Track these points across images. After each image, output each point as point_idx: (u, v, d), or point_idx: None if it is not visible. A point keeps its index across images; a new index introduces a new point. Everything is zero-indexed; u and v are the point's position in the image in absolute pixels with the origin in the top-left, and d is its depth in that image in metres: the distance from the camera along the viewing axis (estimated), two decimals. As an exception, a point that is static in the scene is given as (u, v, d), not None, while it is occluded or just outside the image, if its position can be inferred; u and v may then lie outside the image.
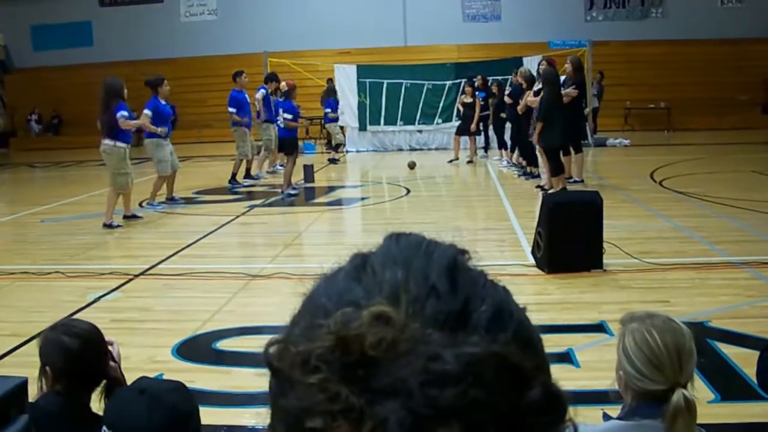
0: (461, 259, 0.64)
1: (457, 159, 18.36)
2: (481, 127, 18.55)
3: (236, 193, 14.66)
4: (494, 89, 17.68)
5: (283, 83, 15.44)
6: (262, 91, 15.91)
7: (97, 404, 2.71)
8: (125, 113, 10.71)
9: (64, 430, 2.52)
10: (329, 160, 19.79)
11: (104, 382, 2.73)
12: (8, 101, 31.17)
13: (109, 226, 10.76)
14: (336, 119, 20.67)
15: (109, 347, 2.86)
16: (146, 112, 11.85)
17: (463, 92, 18.72)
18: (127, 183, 10.89)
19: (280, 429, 0.57)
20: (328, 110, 20.59)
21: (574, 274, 7.30)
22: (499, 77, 18.77)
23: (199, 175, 17.45)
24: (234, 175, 15.54)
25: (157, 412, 2.28)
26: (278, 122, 14.60)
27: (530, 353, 0.59)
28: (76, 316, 6.46)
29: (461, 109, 18.57)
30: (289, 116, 14.06)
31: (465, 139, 18.61)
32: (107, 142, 10.81)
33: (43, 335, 2.72)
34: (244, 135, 15.39)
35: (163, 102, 12.33)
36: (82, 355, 2.63)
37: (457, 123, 21.51)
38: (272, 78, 16.30)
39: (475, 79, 18.39)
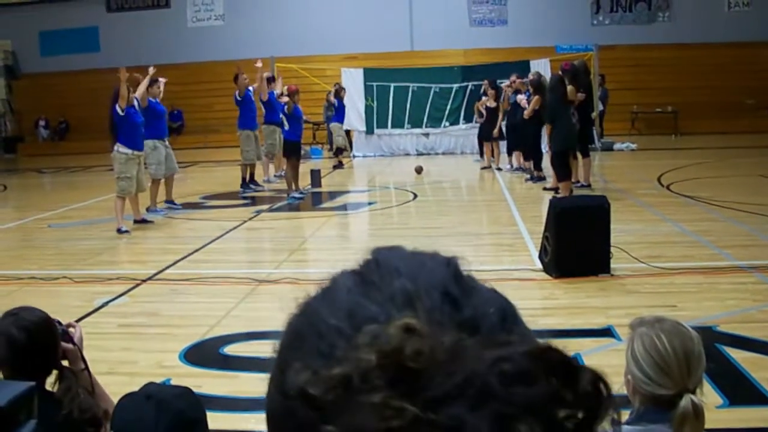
0: (457, 266, 0.64)
1: (490, 166, 17.71)
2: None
3: (244, 197, 14.68)
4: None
5: (284, 87, 15.48)
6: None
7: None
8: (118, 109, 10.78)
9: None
10: (334, 167, 19.71)
11: (55, 372, 2.70)
12: (16, 106, 31.27)
13: (118, 231, 10.81)
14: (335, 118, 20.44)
15: (71, 329, 2.84)
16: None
17: (485, 94, 17.99)
18: (127, 187, 10.91)
19: None
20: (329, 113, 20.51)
21: (581, 279, 7.29)
22: (506, 81, 18.72)
23: (206, 180, 17.49)
24: (244, 179, 15.55)
25: (164, 418, 2.27)
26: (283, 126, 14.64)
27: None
28: (83, 321, 6.48)
29: (483, 112, 17.97)
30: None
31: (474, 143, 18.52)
32: (115, 147, 10.87)
33: None
34: (250, 139, 15.36)
35: (154, 100, 12.47)
36: (28, 349, 2.59)
37: (464, 126, 21.48)
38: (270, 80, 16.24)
39: (504, 82, 17.63)
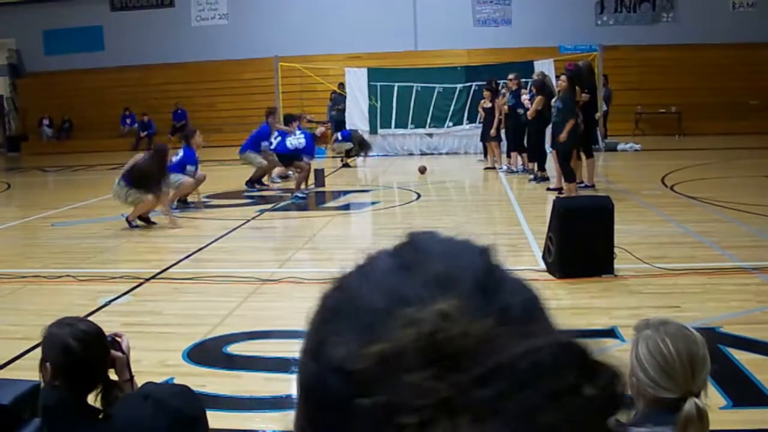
0: (492, 254, 0.66)
1: (494, 167, 17.67)
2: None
3: (248, 197, 14.70)
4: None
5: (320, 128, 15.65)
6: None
7: (94, 402, 2.73)
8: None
9: (60, 423, 2.53)
10: (343, 165, 19.80)
11: (102, 385, 2.75)
12: (20, 105, 31.31)
13: (129, 223, 11.06)
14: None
15: (118, 338, 2.88)
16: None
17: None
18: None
19: (358, 429, 0.56)
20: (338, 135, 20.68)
21: (585, 280, 7.28)
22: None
23: (209, 179, 17.47)
24: (251, 180, 15.62)
25: (163, 417, 2.28)
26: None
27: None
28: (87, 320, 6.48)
29: (482, 113, 18.04)
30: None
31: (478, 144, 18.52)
32: None
33: (47, 329, 2.74)
34: (250, 158, 15.58)
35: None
36: (82, 359, 2.65)
37: (468, 126, 21.47)
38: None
39: (504, 82, 17.54)
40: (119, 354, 2.84)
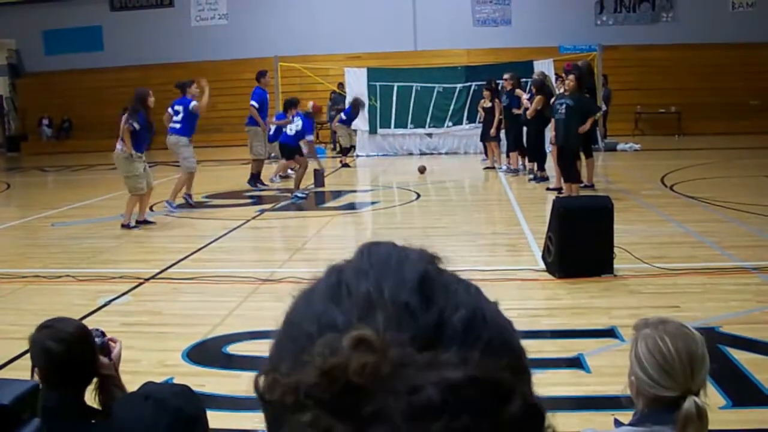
0: (432, 268, 0.65)
1: (493, 167, 17.67)
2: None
3: (251, 196, 14.71)
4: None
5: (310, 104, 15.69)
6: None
7: (91, 400, 2.71)
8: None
9: (59, 423, 2.52)
10: (343, 165, 19.79)
11: (96, 379, 2.71)
12: (19, 105, 31.31)
13: (126, 226, 10.99)
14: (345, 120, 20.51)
15: (112, 343, 2.84)
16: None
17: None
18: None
19: None
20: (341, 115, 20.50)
21: (584, 279, 7.28)
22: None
23: (209, 179, 17.48)
24: (253, 175, 15.63)
25: (163, 417, 2.28)
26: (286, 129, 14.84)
27: (508, 357, 0.60)
28: (86, 320, 6.48)
29: (482, 113, 18.02)
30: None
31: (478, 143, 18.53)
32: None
33: (30, 337, 2.71)
34: (258, 134, 15.49)
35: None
36: (65, 360, 2.61)
37: (468, 126, 21.47)
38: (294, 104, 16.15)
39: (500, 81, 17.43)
40: (105, 360, 2.78)
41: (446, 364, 0.55)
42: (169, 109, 13.12)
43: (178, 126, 12.83)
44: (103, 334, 2.84)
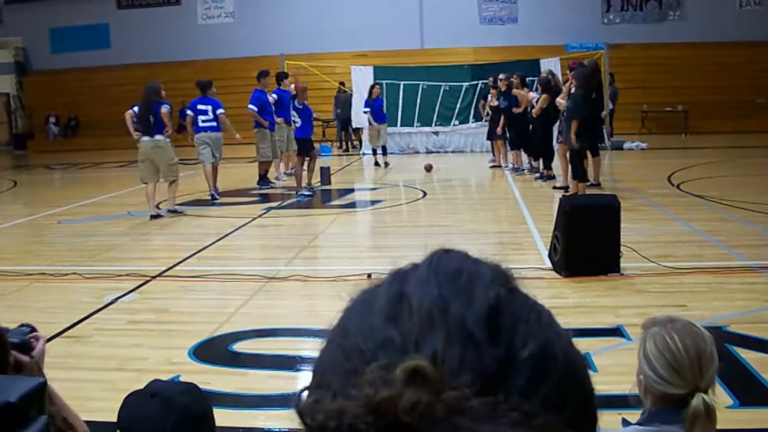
0: (503, 293, 0.59)
1: (500, 165, 17.64)
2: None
3: (259, 194, 14.72)
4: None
5: (292, 86, 15.52)
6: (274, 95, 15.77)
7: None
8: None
9: None
10: (385, 164, 19.26)
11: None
12: (26, 103, 31.38)
13: (156, 216, 11.63)
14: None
15: (33, 341, 2.62)
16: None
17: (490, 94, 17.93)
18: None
19: None
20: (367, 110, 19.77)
21: (591, 278, 7.27)
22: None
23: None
24: (261, 176, 15.63)
25: (170, 415, 2.27)
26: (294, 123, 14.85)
27: (575, 399, 0.57)
28: (93, 317, 6.50)
29: (489, 111, 17.94)
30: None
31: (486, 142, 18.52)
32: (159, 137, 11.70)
33: None
34: (265, 136, 15.44)
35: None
36: None
37: (474, 124, 21.46)
38: (284, 76, 16.20)
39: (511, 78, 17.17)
40: (25, 358, 2.53)
41: (504, 417, 0.51)
42: (189, 111, 13.96)
43: (214, 124, 13.79)
44: (33, 329, 2.62)
